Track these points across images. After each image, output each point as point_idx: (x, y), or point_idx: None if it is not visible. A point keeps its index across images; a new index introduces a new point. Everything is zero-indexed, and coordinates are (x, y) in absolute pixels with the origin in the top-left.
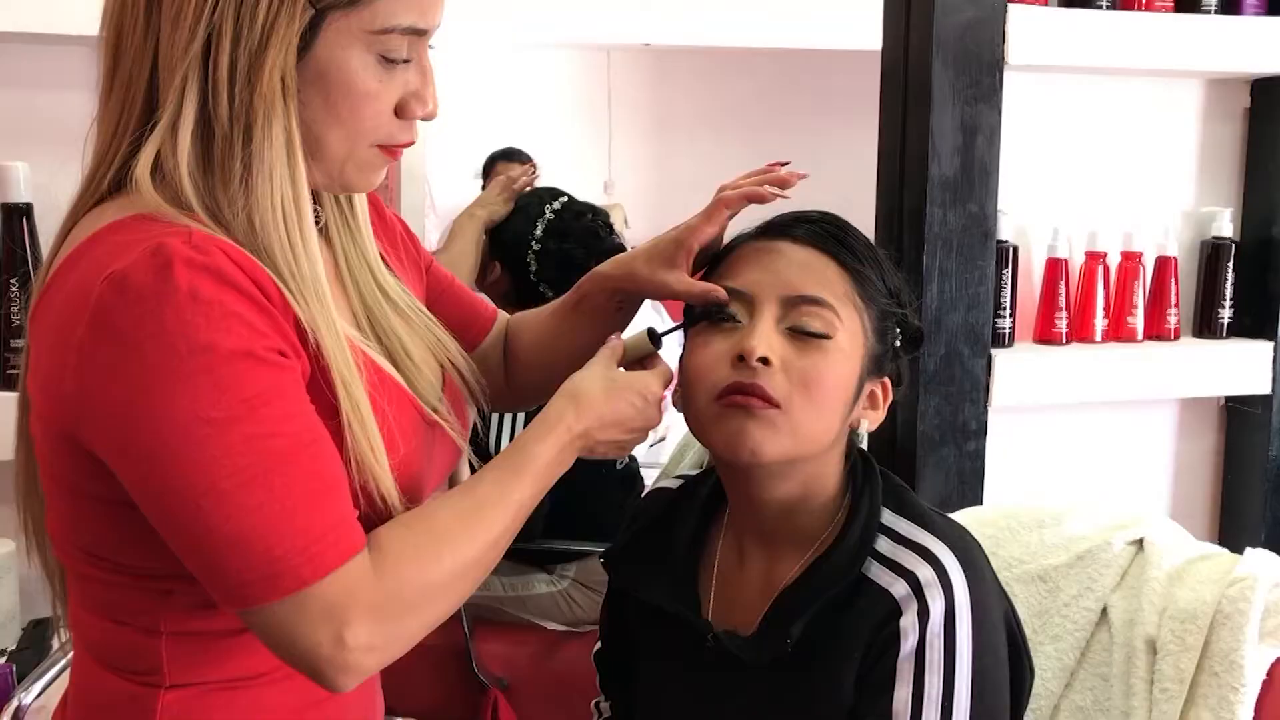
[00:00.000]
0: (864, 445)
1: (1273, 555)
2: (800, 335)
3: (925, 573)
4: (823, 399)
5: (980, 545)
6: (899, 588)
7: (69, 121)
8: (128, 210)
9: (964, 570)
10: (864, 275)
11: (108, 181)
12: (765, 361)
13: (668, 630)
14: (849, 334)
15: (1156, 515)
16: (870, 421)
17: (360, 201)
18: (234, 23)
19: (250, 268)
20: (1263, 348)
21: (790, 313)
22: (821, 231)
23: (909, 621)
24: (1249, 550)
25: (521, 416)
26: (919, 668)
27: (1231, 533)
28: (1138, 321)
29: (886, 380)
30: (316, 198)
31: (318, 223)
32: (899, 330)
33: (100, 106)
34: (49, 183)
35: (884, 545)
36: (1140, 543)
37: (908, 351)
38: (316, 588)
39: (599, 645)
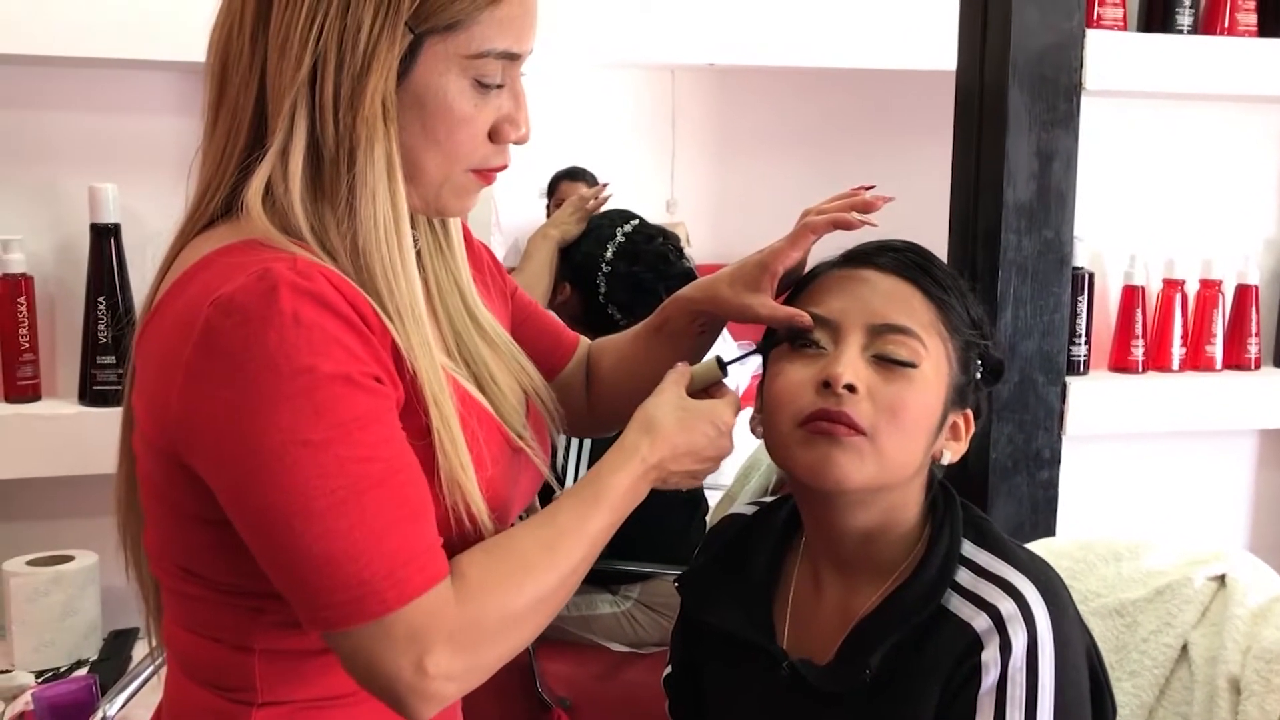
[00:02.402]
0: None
1: None
2: (886, 364)
3: (1007, 606)
4: (909, 427)
5: (1062, 579)
6: (980, 621)
7: (157, 145)
8: (237, 235)
9: (1047, 604)
10: (948, 305)
11: (215, 205)
12: (852, 389)
13: (742, 656)
14: (934, 364)
15: (1238, 551)
16: (952, 453)
17: (454, 225)
18: (338, 49)
19: (351, 295)
20: None
21: (875, 341)
22: (906, 260)
23: (990, 656)
24: None
25: (589, 442)
26: (1000, 703)
27: None
28: (1216, 350)
29: (969, 412)
30: (411, 221)
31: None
32: (980, 361)
33: (206, 134)
34: (137, 204)
35: (964, 577)
36: (1222, 579)
37: (988, 383)
38: (401, 613)
39: (669, 669)
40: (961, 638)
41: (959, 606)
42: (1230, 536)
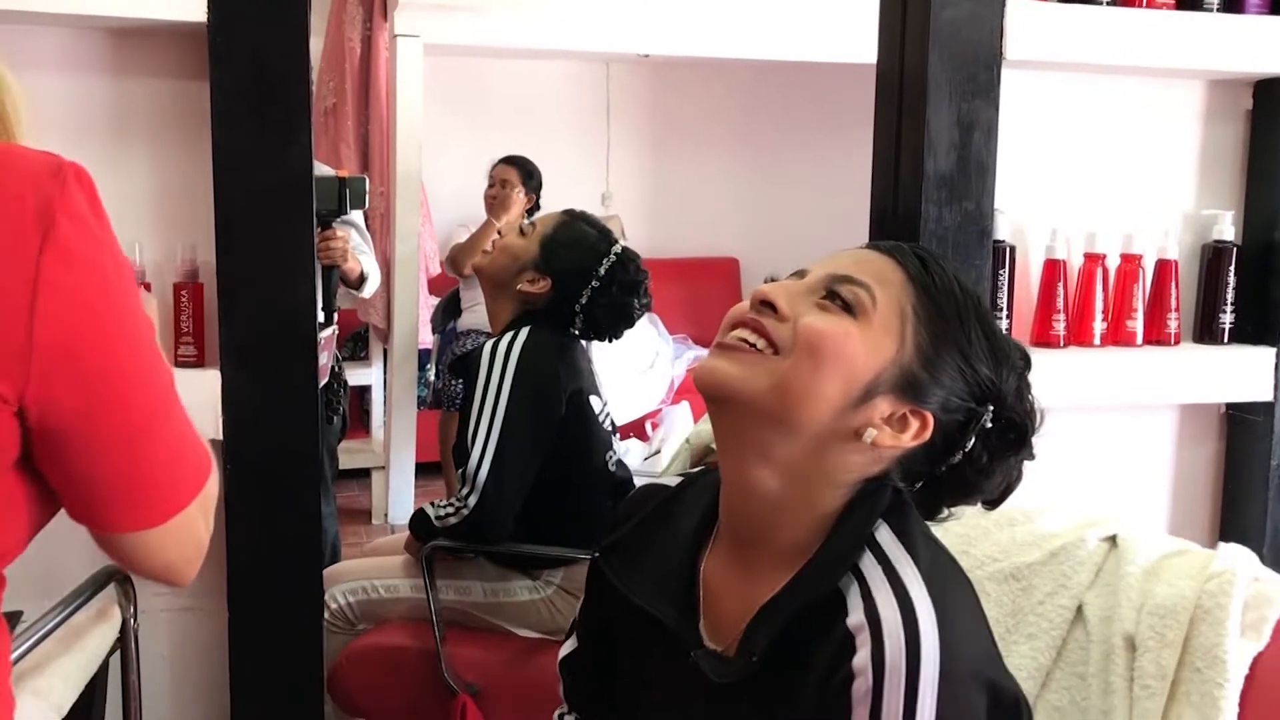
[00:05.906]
0: None
1: (1247, 550)
2: (825, 302)
3: (890, 614)
4: (821, 361)
5: (968, 591)
6: (857, 619)
7: (41, 105)
8: None
9: (936, 618)
10: (931, 291)
11: None
12: (772, 307)
13: (652, 635)
14: (880, 326)
15: (1127, 514)
16: (878, 440)
17: None
18: None
19: None
20: (1264, 354)
21: (829, 291)
22: (902, 247)
23: (861, 663)
24: (1222, 545)
25: (495, 433)
26: (875, 713)
27: (1232, 541)
28: (1137, 325)
29: (926, 414)
30: None
31: None
32: (978, 401)
33: None
34: None
35: (867, 564)
36: (1114, 539)
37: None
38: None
39: (571, 649)
40: (843, 637)
41: (854, 601)
42: (1152, 510)
